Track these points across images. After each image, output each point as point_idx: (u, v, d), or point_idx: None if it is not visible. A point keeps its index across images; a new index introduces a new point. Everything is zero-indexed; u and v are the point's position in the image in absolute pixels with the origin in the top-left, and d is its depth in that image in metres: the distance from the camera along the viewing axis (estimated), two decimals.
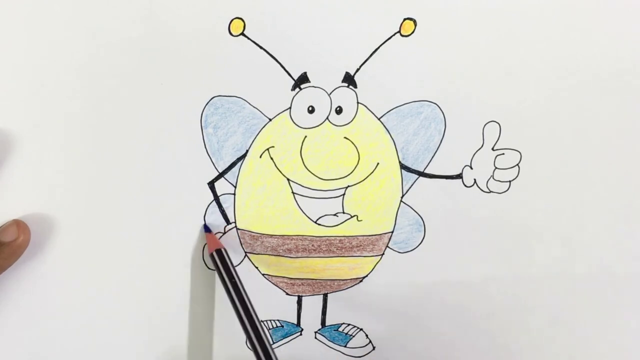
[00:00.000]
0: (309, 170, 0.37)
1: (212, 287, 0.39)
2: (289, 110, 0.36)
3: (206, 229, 0.37)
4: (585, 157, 0.37)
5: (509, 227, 0.38)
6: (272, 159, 0.37)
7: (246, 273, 0.39)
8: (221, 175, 0.37)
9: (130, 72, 0.34)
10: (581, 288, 0.40)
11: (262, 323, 0.35)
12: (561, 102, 0.36)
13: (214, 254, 0.36)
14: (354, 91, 0.35)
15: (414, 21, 0.34)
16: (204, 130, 0.36)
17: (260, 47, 0.34)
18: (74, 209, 0.36)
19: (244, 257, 0.39)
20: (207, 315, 0.40)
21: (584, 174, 0.37)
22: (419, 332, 0.41)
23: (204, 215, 0.37)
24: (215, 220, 0.37)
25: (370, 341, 0.41)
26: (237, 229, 0.38)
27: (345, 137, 0.36)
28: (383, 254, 0.39)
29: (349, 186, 0.37)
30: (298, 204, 0.38)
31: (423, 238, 0.39)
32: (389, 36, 0.34)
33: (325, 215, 0.38)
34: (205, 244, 0.38)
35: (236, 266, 0.39)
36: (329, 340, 0.41)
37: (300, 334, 0.41)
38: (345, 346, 0.42)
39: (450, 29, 0.34)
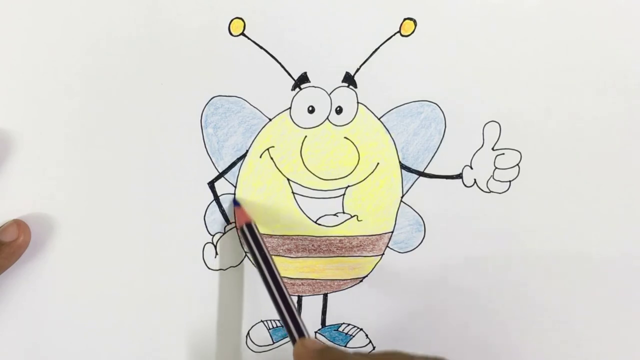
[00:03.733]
0: (309, 170, 0.37)
1: (213, 286, 0.39)
2: (289, 110, 0.36)
3: (235, 203, 0.37)
4: (585, 157, 0.37)
5: (509, 227, 0.38)
6: (272, 159, 0.37)
7: (246, 273, 0.39)
8: (221, 175, 0.37)
9: (131, 72, 0.34)
10: (581, 287, 0.40)
11: (292, 300, 0.35)
12: (561, 102, 0.36)
13: (245, 227, 0.36)
14: (354, 91, 0.35)
15: (414, 21, 0.34)
16: (204, 130, 0.36)
17: (260, 47, 0.34)
18: (74, 209, 0.36)
19: (244, 257, 0.39)
20: (207, 316, 0.40)
21: (584, 173, 0.37)
22: (419, 331, 0.41)
23: (204, 215, 0.37)
24: (215, 220, 0.37)
25: (370, 341, 0.41)
26: (237, 229, 0.38)
27: (345, 137, 0.36)
28: (383, 254, 0.39)
29: (349, 186, 0.37)
30: (298, 204, 0.38)
31: (423, 238, 0.39)
32: (389, 36, 0.34)
33: (325, 215, 0.38)
34: (206, 243, 0.38)
35: (236, 266, 0.39)
36: (329, 340, 0.41)
37: None
38: (345, 346, 0.42)
39: (450, 29, 0.34)
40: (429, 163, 0.37)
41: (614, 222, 0.39)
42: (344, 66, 0.35)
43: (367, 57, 0.35)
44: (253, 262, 0.35)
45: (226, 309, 0.40)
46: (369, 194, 0.38)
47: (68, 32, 0.33)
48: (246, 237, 0.36)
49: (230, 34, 0.34)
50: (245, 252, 0.39)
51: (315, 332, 0.41)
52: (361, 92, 0.35)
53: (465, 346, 0.41)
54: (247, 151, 0.36)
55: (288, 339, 0.41)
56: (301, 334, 0.33)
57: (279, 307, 0.34)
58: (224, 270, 0.39)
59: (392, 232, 0.39)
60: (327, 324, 0.41)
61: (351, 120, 0.36)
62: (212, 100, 0.35)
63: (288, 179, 0.37)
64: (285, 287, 0.35)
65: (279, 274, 0.35)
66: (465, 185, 0.38)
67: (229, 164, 0.37)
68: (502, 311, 0.41)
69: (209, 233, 0.38)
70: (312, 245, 0.39)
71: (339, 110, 0.36)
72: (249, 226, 0.36)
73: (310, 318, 0.41)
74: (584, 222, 0.39)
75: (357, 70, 0.35)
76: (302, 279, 0.40)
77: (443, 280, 0.40)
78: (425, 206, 0.38)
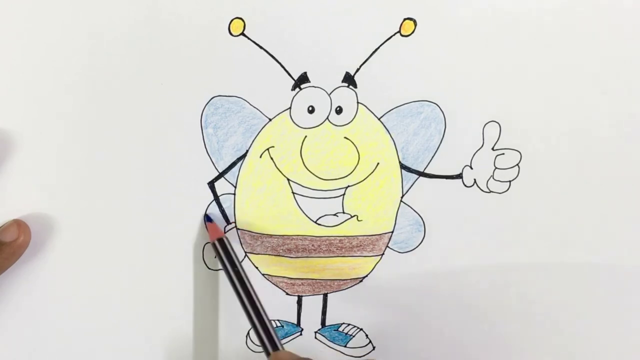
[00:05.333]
0: (309, 170, 0.37)
1: (213, 287, 0.39)
2: (289, 110, 0.36)
3: (207, 218, 0.37)
4: (585, 157, 0.37)
5: (509, 227, 0.38)
6: (272, 159, 0.37)
7: (246, 273, 0.39)
8: (221, 175, 0.37)
9: (130, 72, 0.34)
10: (581, 287, 0.40)
11: (266, 313, 0.35)
12: (561, 102, 0.36)
13: (216, 243, 0.36)
14: (354, 91, 0.35)
15: (414, 21, 0.34)
16: (204, 130, 0.36)
17: (260, 47, 0.34)
18: (74, 209, 0.36)
19: (244, 257, 0.39)
20: (208, 315, 0.40)
21: (584, 173, 0.37)
22: (419, 332, 0.41)
23: (204, 215, 0.37)
24: (216, 220, 0.37)
25: (370, 341, 0.41)
26: (237, 229, 0.38)
27: (345, 137, 0.36)
28: (383, 254, 0.39)
29: (349, 186, 0.37)
30: (298, 204, 0.38)
31: (423, 238, 0.39)
32: (389, 36, 0.34)
33: (325, 215, 0.38)
34: (206, 243, 0.38)
35: None
36: (329, 340, 0.41)
37: (300, 334, 0.41)
38: (345, 346, 0.42)
39: (450, 29, 0.34)
40: (429, 163, 0.37)
41: (614, 222, 0.39)
42: (344, 66, 0.35)
43: (367, 57, 0.35)
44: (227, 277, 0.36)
45: (226, 309, 0.40)
46: (369, 194, 0.38)
47: (68, 32, 0.33)
48: (218, 252, 0.36)
49: (230, 34, 0.34)
50: (246, 253, 0.39)
51: (315, 332, 0.41)
52: (361, 92, 0.35)
53: (465, 346, 0.41)
54: (247, 151, 0.36)
55: (287, 338, 0.41)
56: (275, 347, 0.33)
57: (251, 320, 0.34)
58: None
59: (392, 232, 0.39)
60: (327, 324, 0.41)
61: (351, 120, 0.36)
62: (212, 100, 0.35)
63: (288, 179, 0.37)
64: (257, 299, 0.35)
65: (252, 286, 0.35)
66: (465, 185, 0.38)
67: (229, 164, 0.37)
68: (502, 311, 0.41)
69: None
70: (312, 245, 0.39)
71: (339, 110, 0.36)
72: (221, 241, 0.36)
73: (310, 318, 0.41)
74: (584, 222, 0.39)
75: (357, 70, 0.35)
76: (302, 279, 0.40)
77: (443, 280, 0.40)
78: (425, 206, 0.38)
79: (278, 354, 0.33)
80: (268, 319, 0.35)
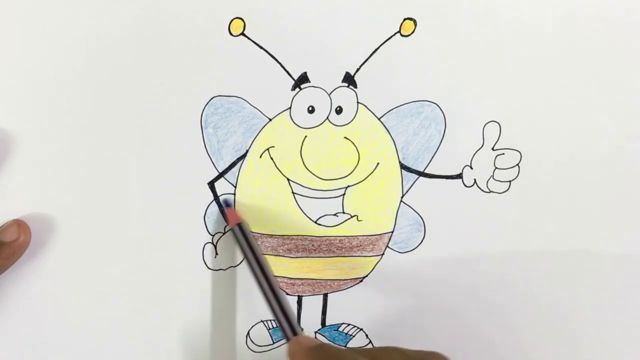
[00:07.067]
0: (309, 170, 0.37)
1: (213, 286, 0.39)
2: (289, 110, 0.36)
3: (226, 204, 0.37)
4: (585, 157, 0.37)
5: (509, 227, 0.38)
6: (272, 159, 0.37)
7: (246, 273, 0.39)
8: (221, 175, 0.37)
9: (131, 72, 0.34)
10: (581, 287, 0.40)
11: (286, 299, 0.35)
12: (561, 102, 0.36)
13: (236, 228, 0.36)
14: (354, 91, 0.35)
15: (414, 21, 0.34)
16: (204, 130, 0.36)
17: (260, 47, 0.34)
18: (74, 209, 0.36)
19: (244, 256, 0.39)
20: (207, 316, 0.40)
21: (584, 173, 0.37)
22: (419, 332, 0.41)
23: (204, 215, 0.37)
24: (215, 220, 0.37)
25: (370, 341, 0.41)
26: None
27: (345, 137, 0.36)
28: (383, 254, 0.39)
29: (349, 186, 0.37)
30: (298, 204, 0.38)
31: (423, 238, 0.39)
32: (389, 36, 0.34)
33: (326, 215, 0.38)
34: (206, 243, 0.38)
35: (236, 266, 0.39)
36: (329, 340, 0.41)
37: None
38: (345, 346, 0.42)
39: (450, 29, 0.34)
40: (429, 163, 0.37)
41: (614, 222, 0.39)
42: (344, 66, 0.35)
43: (367, 57, 0.35)
44: (246, 262, 0.36)
45: (226, 309, 0.40)
46: (369, 194, 0.38)
47: (68, 32, 0.33)
48: (237, 237, 0.36)
49: (230, 34, 0.34)
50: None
51: (315, 332, 0.41)
52: (361, 92, 0.35)
53: (466, 346, 0.41)
54: (247, 151, 0.36)
55: None
56: (295, 332, 0.34)
57: (271, 306, 0.34)
58: (224, 270, 0.39)
59: (392, 232, 0.39)
60: (327, 324, 0.41)
61: (351, 120, 0.36)
62: (212, 100, 0.35)
63: (288, 179, 0.37)
64: (277, 285, 0.35)
65: (272, 273, 0.35)
66: (465, 185, 0.38)
67: (229, 164, 0.37)
68: (502, 311, 0.41)
69: (209, 233, 0.38)
70: (312, 245, 0.39)
71: (339, 110, 0.36)
72: (240, 226, 0.36)
73: (310, 318, 0.41)
74: (584, 222, 0.39)
75: (357, 70, 0.35)
76: (302, 279, 0.40)
77: (443, 280, 0.40)
78: (425, 206, 0.38)
79: (299, 338, 0.33)
80: (288, 303, 0.34)
